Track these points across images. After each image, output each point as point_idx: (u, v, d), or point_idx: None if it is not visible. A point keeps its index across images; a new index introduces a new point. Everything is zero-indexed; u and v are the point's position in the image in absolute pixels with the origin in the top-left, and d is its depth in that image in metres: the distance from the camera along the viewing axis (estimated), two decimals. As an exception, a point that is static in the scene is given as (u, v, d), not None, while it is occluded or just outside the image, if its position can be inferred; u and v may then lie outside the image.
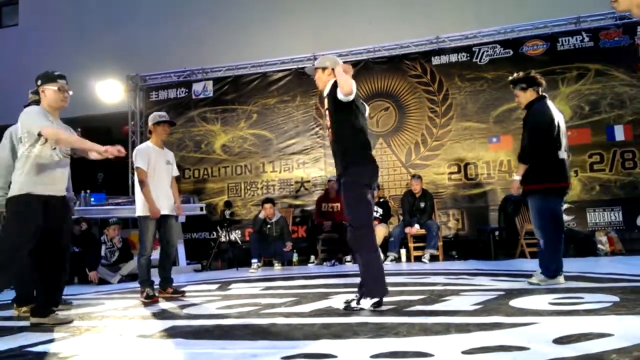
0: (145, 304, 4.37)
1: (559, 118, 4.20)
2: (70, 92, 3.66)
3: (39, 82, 3.58)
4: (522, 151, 4.24)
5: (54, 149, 3.49)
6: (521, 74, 4.34)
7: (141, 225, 4.69)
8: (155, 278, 4.74)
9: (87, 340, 2.93)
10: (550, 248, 4.08)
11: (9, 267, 3.39)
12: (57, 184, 3.55)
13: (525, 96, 4.29)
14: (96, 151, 3.48)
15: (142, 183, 4.63)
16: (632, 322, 2.56)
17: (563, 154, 4.16)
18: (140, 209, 4.69)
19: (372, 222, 3.53)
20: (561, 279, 4.08)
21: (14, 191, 3.44)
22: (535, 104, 4.23)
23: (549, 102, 4.27)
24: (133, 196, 8.31)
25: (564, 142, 4.18)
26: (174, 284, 4.87)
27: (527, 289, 3.91)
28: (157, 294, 4.65)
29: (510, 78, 4.43)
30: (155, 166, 4.76)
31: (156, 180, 4.75)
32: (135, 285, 6.25)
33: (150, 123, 5.00)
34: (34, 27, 12.57)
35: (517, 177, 4.20)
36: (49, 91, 3.55)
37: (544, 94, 4.30)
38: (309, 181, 8.99)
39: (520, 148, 4.33)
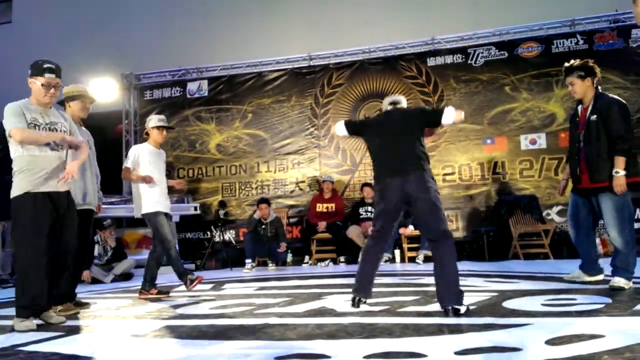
0: (192, 289, 4.58)
1: None
2: (62, 87, 3.56)
3: (30, 72, 3.45)
4: (622, 143, 3.77)
5: (47, 144, 3.42)
6: (578, 61, 4.07)
7: (154, 221, 4.68)
8: (139, 279, 4.74)
9: (79, 339, 2.92)
10: (631, 247, 3.82)
11: (36, 278, 3.32)
12: (55, 179, 3.43)
13: (583, 85, 4.00)
14: (52, 138, 3.43)
15: (123, 179, 4.72)
16: (624, 323, 2.58)
17: None
18: (148, 206, 4.69)
19: (374, 230, 3.57)
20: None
21: (13, 192, 3.37)
22: (604, 94, 4.00)
23: None
24: (127, 195, 8.35)
25: None
26: (158, 285, 4.89)
27: (521, 290, 3.93)
28: (140, 296, 4.70)
29: (566, 64, 4.13)
30: (154, 168, 4.79)
31: (156, 181, 4.77)
32: (128, 284, 6.24)
33: (150, 125, 4.94)
34: (28, 24, 12.50)
35: (623, 172, 3.73)
36: (35, 85, 3.43)
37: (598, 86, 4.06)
38: (303, 181, 8.99)
39: (599, 141, 3.88)
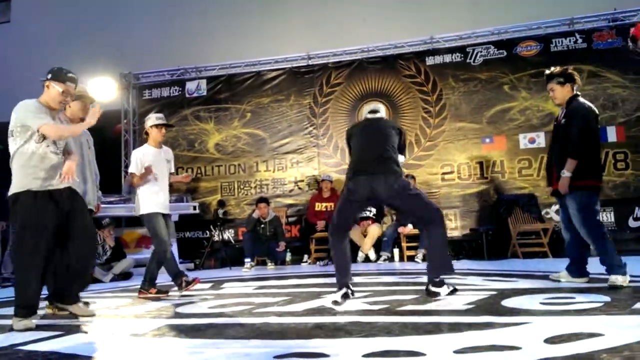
0: (189, 289, 4.67)
1: None
2: (74, 92, 3.65)
3: (49, 76, 3.49)
4: (573, 146, 3.93)
5: (48, 146, 3.42)
6: (558, 68, 4.21)
7: (150, 222, 4.66)
8: (138, 278, 4.73)
9: (78, 338, 2.91)
10: (608, 244, 3.90)
11: (33, 278, 3.32)
12: (56, 179, 3.44)
13: (563, 91, 4.15)
14: (89, 124, 3.56)
15: (132, 186, 4.67)
16: (623, 322, 2.58)
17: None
18: (145, 206, 4.68)
19: (334, 226, 3.84)
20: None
21: (13, 189, 3.35)
22: (575, 99, 4.10)
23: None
24: (126, 195, 8.34)
25: None
26: (158, 284, 4.87)
27: (520, 289, 3.93)
28: (139, 295, 4.69)
29: (546, 72, 4.28)
30: (155, 169, 4.76)
31: (157, 181, 4.76)
32: (127, 283, 6.24)
33: (148, 124, 4.92)
34: (27, 24, 12.48)
35: (568, 174, 3.92)
36: (54, 89, 3.47)
37: (578, 92, 4.18)
38: (302, 180, 8.99)
39: (563, 144, 4.04)
